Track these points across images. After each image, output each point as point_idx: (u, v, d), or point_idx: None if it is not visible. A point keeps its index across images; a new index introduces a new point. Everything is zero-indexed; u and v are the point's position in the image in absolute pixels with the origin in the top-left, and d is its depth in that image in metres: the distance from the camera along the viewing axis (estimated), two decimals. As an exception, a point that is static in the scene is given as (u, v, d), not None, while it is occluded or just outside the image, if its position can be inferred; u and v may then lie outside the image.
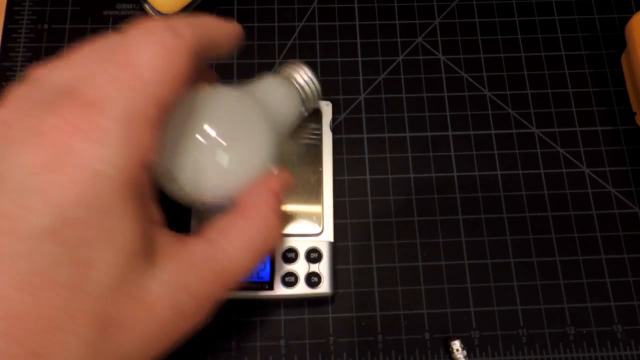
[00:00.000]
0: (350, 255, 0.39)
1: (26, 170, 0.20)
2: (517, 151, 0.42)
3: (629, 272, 0.39)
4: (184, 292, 0.24)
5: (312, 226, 0.38)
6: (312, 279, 0.37)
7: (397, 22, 0.45)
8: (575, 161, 0.42)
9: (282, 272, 0.37)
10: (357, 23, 0.45)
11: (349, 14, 0.45)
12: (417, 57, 0.44)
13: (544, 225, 0.40)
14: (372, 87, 0.43)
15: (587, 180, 0.41)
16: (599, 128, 0.43)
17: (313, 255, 0.37)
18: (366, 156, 0.41)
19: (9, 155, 0.21)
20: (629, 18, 0.42)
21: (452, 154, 0.42)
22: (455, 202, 0.40)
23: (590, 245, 0.40)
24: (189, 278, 0.24)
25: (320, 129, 0.40)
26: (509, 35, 0.45)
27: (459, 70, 0.44)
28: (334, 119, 0.42)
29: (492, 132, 0.42)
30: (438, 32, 0.45)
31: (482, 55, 0.44)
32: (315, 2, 0.45)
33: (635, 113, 0.42)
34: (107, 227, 0.21)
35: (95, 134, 0.21)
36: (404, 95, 0.43)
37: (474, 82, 0.44)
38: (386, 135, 0.42)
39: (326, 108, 0.41)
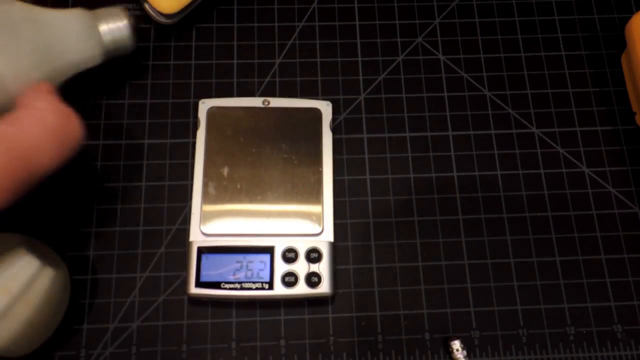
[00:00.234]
0: (350, 255, 0.39)
1: None
2: (517, 151, 0.42)
3: (629, 272, 0.39)
4: None
5: (312, 226, 0.38)
6: (312, 279, 0.37)
7: (397, 22, 0.45)
8: (575, 161, 0.42)
9: (282, 272, 0.37)
10: (357, 23, 0.45)
11: (349, 14, 0.45)
12: (417, 57, 0.44)
13: (544, 225, 0.40)
14: (372, 87, 0.43)
15: (587, 180, 0.41)
16: (599, 128, 0.43)
17: (313, 255, 0.37)
18: (366, 156, 0.41)
19: None
20: (629, 18, 0.42)
21: (452, 154, 0.42)
22: (455, 202, 0.40)
23: (590, 245, 0.40)
24: None
25: (320, 129, 0.40)
26: (509, 35, 0.45)
27: (459, 70, 0.44)
28: (334, 119, 0.42)
29: (492, 132, 0.42)
30: (438, 32, 0.45)
31: (482, 55, 0.44)
32: (315, 2, 0.45)
33: (635, 113, 0.42)
34: None
35: None
36: (404, 95, 0.43)
37: (474, 82, 0.44)
38: (386, 135, 0.42)
39: (326, 108, 0.41)
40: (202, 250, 0.37)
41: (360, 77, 0.43)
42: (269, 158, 0.39)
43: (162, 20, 0.42)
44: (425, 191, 0.41)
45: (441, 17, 0.45)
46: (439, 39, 0.45)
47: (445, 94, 0.43)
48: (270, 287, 0.36)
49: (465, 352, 0.36)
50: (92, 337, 0.37)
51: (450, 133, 0.42)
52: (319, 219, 0.38)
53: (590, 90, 0.44)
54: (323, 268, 0.37)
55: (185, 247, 0.39)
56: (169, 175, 0.40)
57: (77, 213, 0.39)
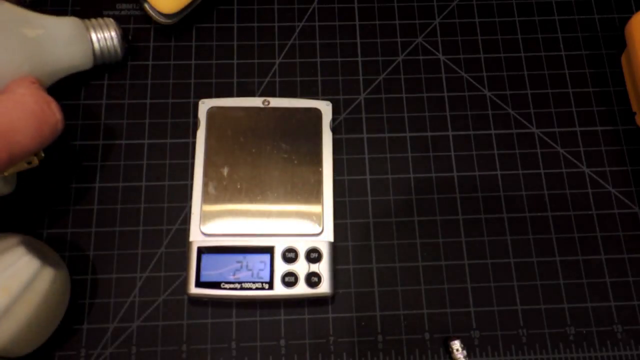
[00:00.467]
0: (350, 255, 0.39)
1: None
2: (517, 151, 0.42)
3: (629, 272, 0.39)
4: None
5: (312, 226, 0.38)
6: (312, 279, 0.37)
7: (397, 22, 0.45)
8: (575, 161, 0.42)
9: (282, 272, 0.37)
10: (357, 23, 0.45)
11: (349, 14, 0.45)
12: (417, 57, 0.44)
13: (544, 225, 0.40)
14: (372, 87, 0.43)
15: (587, 180, 0.41)
16: (599, 128, 0.43)
17: (313, 255, 0.37)
18: (366, 156, 0.41)
19: None
20: (629, 18, 0.42)
21: (452, 154, 0.42)
22: (455, 202, 0.40)
23: (590, 245, 0.40)
24: None
25: (320, 129, 0.40)
26: (509, 35, 0.45)
27: (459, 70, 0.44)
28: (334, 119, 0.42)
29: (492, 132, 0.42)
30: (438, 32, 0.45)
31: (482, 55, 0.44)
32: (315, 2, 0.45)
33: (635, 113, 0.42)
34: None
35: None
36: (404, 95, 0.43)
37: (474, 82, 0.44)
38: (386, 135, 0.42)
39: (326, 108, 0.41)
40: (202, 250, 0.37)
41: (360, 77, 0.43)
42: (269, 158, 0.39)
43: (162, 20, 0.42)
44: (425, 191, 0.41)
45: (441, 17, 0.45)
46: (439, 39, 0.45)
47: (445, 94, 0.43)
48: (270, 287, 0.36)
49: (465, 352, 0.36)
50: (92, 337, 0.37)
51: (450, 133, 0.42)
52: (319, 219, 0.38)
53: (590, 90, 0.44)
54: (323, 268, 0.37)
55: (185, 247, 0.39)
56: (169, 175, 0.40)
57: (77, 213, 0.39)
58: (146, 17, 0.44)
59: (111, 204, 0.39)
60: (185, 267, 0.38)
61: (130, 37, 0.42)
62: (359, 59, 0.44)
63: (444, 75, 0.44)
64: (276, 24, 0.45)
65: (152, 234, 0.39)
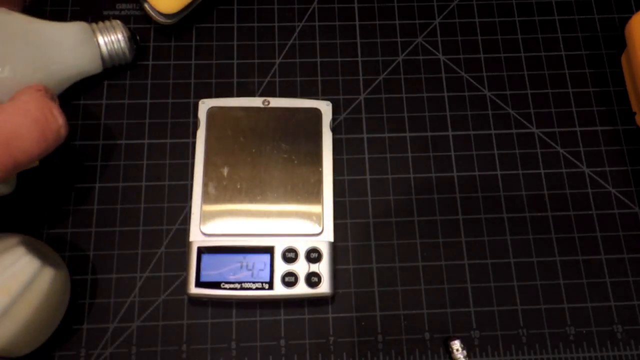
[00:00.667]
0: (350, 255, 0.39)
1: None
2: (517, 151, 0.42)
3: (629, 272, 0.39)
4: None
5: (312, 226, 0.38)
6: (312, 279, 0.37)
7: (397, 22, 0.45)
8: (575, 161, 0.42)
9: (282, 272, 0.37)
10: (357, 23, 0.45)
11: (349, 14, 0.45)
12: (417, 57, 0.44)
13: (544, 225, 0.40)
14: (372, 87, 0.43)
15: (587, 180, 0.41)
16: (599, 128, 0.43)
17: (313, 255, 0.37)
18: (366, 156, 0.41)
19: None
20: (629, 18, 0.42)
21: (452, 154, 0.42)
22: (455, 202, 0.40)
23: (590, 245, 0.40)
24: None
25: (320, 129, 0.40)
26: (509, 35, 0.45)
27: (459, 70, 0.44)
28: (334, 119, 0.42)
29: (492, 132, 0.42)
30: (438, 32, 0.45)
31: (482, 55, 0.44)
32: (315, 2, 0.45)
33: (635, 113, 0.42)
34: None
35: None
36: (404, 95, 0.43)
37: (474, 82, 0.44)
38: (386, 135, 0.42)
39: (326, 108, 0.41)
40: (202, 250, 0.37)
41: (360, 77, 0.43)
42: (269, 158, 0.39)
43: (162, 20, 0.42)
44: (425, 191, 0.41)
45: (441, 17, 0.45)
46: (439, 39, 0.45)
47: (445, 94, 0.43)
48: (270, 287, 0.36)
49: (465, 352, 0.36)
50: (92, 337, 0.37)
51: (450, 133, 0.42)
52: (319, 219, 0.38)
53: (590, 90, 0.44)
54: (323, 268, 0.37)
55: (185, 247, 0.39)
56: (169, 175, 0.40)
57: (77, 213, 0.39)
58: (146, 17, 0.44)
59: (111, 204, 0.39)
60: (185, 267, 0.38)
61: (138, 38, 0.42)
62: (359, 59, 0.44)
63: (444, 75, 0.44)
64: (276, 24, 0.45)
65: (152, 234, 0.39)
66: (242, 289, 0.36)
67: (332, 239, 0.38)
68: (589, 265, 0.39)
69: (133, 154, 0.41)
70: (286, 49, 0.44)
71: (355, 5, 0.45)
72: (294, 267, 0.37)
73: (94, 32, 0.39)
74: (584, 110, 0.43)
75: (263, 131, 0.40)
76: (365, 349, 0.37)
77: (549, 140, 0.42)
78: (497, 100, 0.43)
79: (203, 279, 0.36)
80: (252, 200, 0.38)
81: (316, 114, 0.41)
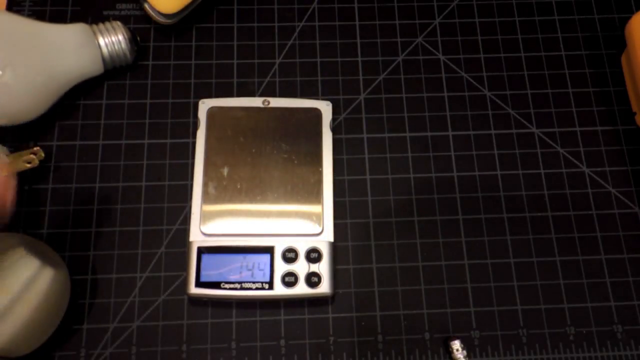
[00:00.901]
0: (350, 255, 0.39)
1: None
2: (517, 151, 0.42)
3: (629, 272, 0.39)
4: None
5: (312, 226, 0.38)
6: (312, 279, 0.37)
7: (397, 22, 0.45)
8: (575, 161, 0.42)
9: (282, 272, 0.37)
10: (357, 23, 0.45)
11: (349, 14, 0.45)
12: (417, 57, 0.44)
13: (544, 225, 0.40)
14: (372, 87, 0.43)
15: (587, 180, 0.41)
16: (599, 128, 0.43)
17: (313, 255, 0.37)
18: (366, 156, 0.41)
19: None
20: (629, 18, 0.42)
21: (452, 154, 0.42)
22: (455, 202, 0.40)
23: (590, 245, 0.40)
24: None
25: (320, 129, 0.40)
26: (509, 35, 0.45)
27: (459, 70, 0.44)
28: (334, 119, 0.42)
29: (492, 132, 0.42)
30: (438, 32, 0.45)
31: (482, 55, 0.44)
32: (315, 2, 0.45)
33: (635, 113, 0.42)
34: None
35: None
36: (404, 95, 0.43)
37: (474, 82, 0.44)
38: (386, 135, 0.42)
39: (326, 108, 0.41)
40: (202, 250, 0.37)
41: (360, 77, 0.43)
42: (269, 158, 0.39)
43: (162, 20, 0.42)
44: (425, 191, 0.41)
45: (441, 17, 0.45)
46: (439, 39, 0.45)
47: (445, 94, 0.43)
48: (270, 287, 0.36)
49: (465, 352, 0.36)
50: (92, 337, 0.37)
51: (450, 133, 0.42)
52: (319, 219, 0.38)
53: (590, 90, 0.44)
54: (323, 268, 0.37)
55: (185, 247, 0.39)
56: (169, 175, 0.40)
57: (77, 213, 0.39)
58: (146, 17, 0.44)
59: (111, 204, 0.39)
60: (185, 267, 0.38)
61: (139, 39, 0.42)
62: (359, 59, 0.44)
63: (444, 75, 0.44)
64: (276, 24, 0.45)
65: (152, 234, 0.39)
66: (242, 289, 0.36)
67: (332, 239, 0.38)
68: (589, 265, 0.39)
69: (133, 154, 0.41)
70: (286, 49, 0.44)
71: (355, 5, 0.45)
72: (294, 267, 0.37)
73: (94, 33, 0.39)
74: (584, 110, 0.43)
75: (263, 131, 0.40)
76: (365, 349, 0.37)
77: (549, 140, 0.42)
78: (497, 100, 0.43)
79: (203, 279, 0.36)
80: (252, 200, 0.38)
81: (316, 114, 0.41)
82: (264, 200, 0.38)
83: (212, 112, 0.40)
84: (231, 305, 0.38)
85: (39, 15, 0.43)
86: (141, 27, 0.44)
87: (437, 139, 0.42)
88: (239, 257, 0.37)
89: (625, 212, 0.41)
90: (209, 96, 0.42)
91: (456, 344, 0.36)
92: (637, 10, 0.45)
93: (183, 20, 0.43)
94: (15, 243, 0.32)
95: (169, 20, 0.42)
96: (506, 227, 0.40)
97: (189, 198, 0.40)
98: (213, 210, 0.38)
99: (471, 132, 0.42)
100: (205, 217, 0.38)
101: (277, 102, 0.41)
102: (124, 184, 0.40)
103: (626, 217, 0.40)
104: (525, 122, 0.43)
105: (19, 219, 0.39)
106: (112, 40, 0.40)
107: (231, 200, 0.38)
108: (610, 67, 0.44)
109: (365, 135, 0.42)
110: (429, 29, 0.45)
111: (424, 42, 0.45)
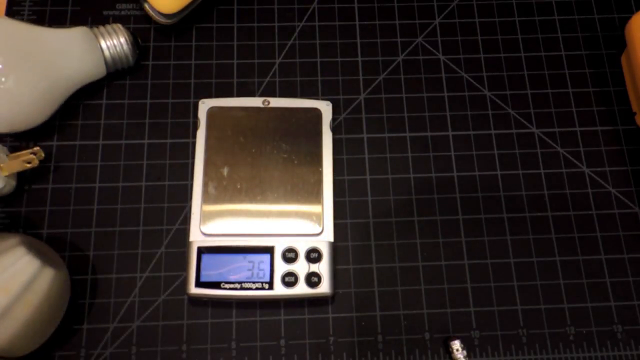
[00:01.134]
0: (350, 255, 0.39)
1: None
2: (517, 151, 0.42)
3: (629, 272, 0.39)
4: None
5: (312, 226, 0.38)
6: (312, 279, 0.37)
7: (397, 22, 0.45)
8: (575, 161, 0.42)
9: (282, 272, 0.37)
10: (357, 23, 0.45)
11: (349, 14, 0.45)
12: (417, 57, 0.44)
13: (544, 225, 0.40)
14: (372, 87, 0.43)
15: (587, 180, 0.41)
16: (599, 128, 0.43)
17: (313, 255, 0.37)
18: (366, 156, 0.41)
19: None
20: (629, 18, 0.42)
21: (452, 154, 0.42)
22: (455, 202, 0.40)
23: (590, 245, 0.40)
24: None
25: (320, 129, 0.40)
26: (509, 35, 0.45)
27: (459, 70, 0.44)
28: (334, 119, 0.42)
29: (492, 132, 0.42)
30: (438, 32, 0.45)
31: (482, 55, 0.44)
32: (315, 2, 0.45)
33: (635, 113, 0.42)
34: None
35: None
36: (404, 95, 0.43)
37: (474, 82, 0.44)
38: (386, 135, 0.42)
39: (326, 108, 0.41)
40: (202, 250, 0.37)
41: (360, 77, 0.43)
42: (269, 158, 0.39)
43: (162, 20, 0.42)
44: (425, 191, 0.41)
45: (441, 17, 0.45)
46: (439, 39, 0.45)
47: (445, 94, 0.43)
48: (270, 287, 0.36)
49: (465, 352, 0.36)
50: (92, 337, 0.37)
51: (450, 133, 0.42)
52: (319, 219, 0.38)
53: (590, 90, 0.44)
54: (323, 268, 0.37)
55: (185, 247, 0.39)
56: (169, 175, 0.40)
57: (77, 213, 0.39)
58: (146, 17, 0.44)
59: (111, 204, 0.39)
60: (185, 267, 0.38)
61: (140, 41, 0.42)
62: (359, 59, 0.44)
63: (444, 75, 0.44)
64: (276, 24, 0.45)
65: (152, 234, 0.39)
66: (242, 289, 0.36)
67: (332, 239, 0.38)
68: (589, 265, 0.39)
69: (133, 154, 0.41)
70: (286, 49, 0.44)
71: (355, 5, 0.45)
72: (294, 267, 0.37)
73: (96, 36, 0.39)
74: (584, 110, 0.43)
75: (263, 131, 0.40)
76: (365, 349, 0.37)
77: (549, 140, 0.42)
78: (497, 100, 0.43)
79: (203, 279, 0.36)
80: (252, 200, 0.38)
81: (316, 114, 0.41)
82: (264, 200, 0.38)
83: (212, 112, 0.40)
84: (231, 305, 0.38)
85: (39, 15, 0.43)
86: (141, 27, 0.44)
87: (437, 139, 0.42)
88: (239, 257, 0.37)
89: (625, 212, 0.41)
90: (209, 96, 0.42)
91: (456, 344, 0.36)
92: (637, 10, 0.45)
93: (183, 20, 0.43)
94: (15, 243, 0.32)
95: (169, 20, 0.42)
96: (506, 227, 0.40)
97: (189, 198, 0.40)
98: (213, 210, 0.38)
99: (471, 132, 0.42)
100: (205, 217, 0.38)
101: (277, 102, 0.41)
102: (124, 184, 0.40)
103: (626, 217, 0.40)
104: (525, 122, 0.43)
105: (19, 219, 0.39)
106: (114, 42, 0.40)
107: (231, 200, 0.38)
108: (610, 67, 0.44)
109: (365, 135, 0.42)
110: (429, 29, 0.45)
111: (424, 42, 0.45)
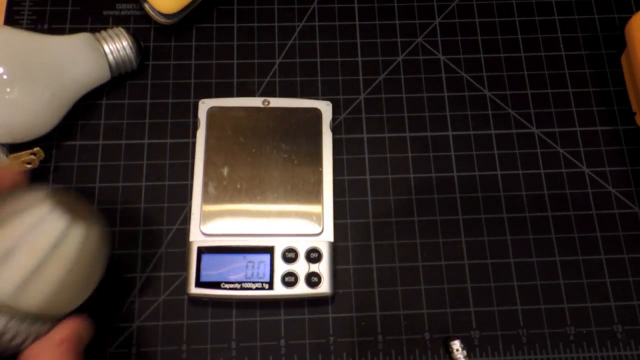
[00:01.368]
0: (350, 255, 0.39)
1: None
2: (517, 151, 0.42)
3: (629, 272, 0.39)
4: None
5: (312, 226, 0.38)
6: (312, 279, 0.37)
7: (397, 22, 0.45)
8: (575, 161, 0.42)
9: (282, 272, 0.37)
10: (357, 23, 0.45)
11: (349, 14, 0.45)
12: (417, 57, 0.44)
13: (544, 225, 0.40)
14: (372, 87, 0.43)
15: (587, 180, 0.41)
16: (599, 128, 0.43)
17: (313, 255, 0.37)
18: (366, 156, 0.41)
19: None
20: (629, 18, 0.42)
21: (452, 154, 0.42)
22: (455, 202, 0.40)
23: (590, 245, 0.40)
24: None
25: (320, 129, 0.40)
26: (509, 35, 0.45)
27: (459, 70, 0.44)
28: (334, 119, 0.42)
29: (492, 132, 0.42)
30: (438, 32, 0.45)
31: (482, 55, 0.44)
32: (315, 2, 0.45)
33: (635, 113, 0.42)
34: None
35: None
36: (404, 95, 0.43)
37: (474, 82, 0.44)
38: (386, 135, 0.42)
39: (326, 108, 0.41)
40: (202, 250, 0.37)
41: (360, 77, 0.43)
42: (269, 158, 0.39)
43: (162, 20, 0.42)
44: (425, 191, 0.41)
45: (441, 17, 0.45)
46: (439, 39, 0.45)
47: (445, 94, 0.43)
48: (270, 287, 0.36)
49: (465, 352, 0.36)
50: (92, 337, 0.36)
51: (450, 133, 0.42)
52: (319, 219, 0.38)
53: (590, 90, 0.44)
54: (323, 268, 0.37)
55: (185, 247, 0.39)
56: (169, 175, 0.40)
57: (77, 213, 0.39)
58: (146, 17, 0.44)
59: (111, 204, 0.39)
60: (185, 267, 0.38)
61: (142, 44, 0.42)
62: (359, 59, 0.44)
63: (444, 75, 0.44)
64: (276, 24, 0.45)
65: (152, 234, 0.39)
66: (242, 289, 0.36)
67: (332, 239, 0.38)
68: (589, 265, 0.39)
69: (133, 154, 0.41)
70: (286, 49, 0.44)
71: (355, 5, 0.45)
72: (294, 267, 0.37)
73: (98, 41, 0.39)
74: (584, 110, 0.43)
75: (263, 131, 0.40)
76: (365, 349, 0.37)
77: (549, 140, 0.42)
78: (497, 100, 0.43)
79: (203, 279, 0.36)
80: (252, 200, 0.38)
81: (316, 114, 0.41)
82: (264, 200, 0.38)
83: (212, 112, 0.40)
84: (231, 305, 0.38)
85: (39, 15, 0.43)
86: (141, 27, 0.44)
87: (437, 139, 0.42)
88: (239, 257, 0.37)
89: (625, 212, 0.41)
90: (209, 96, 0.42)
91: (456, 344, 0.36)
92: (637, 10, 0.45)
93: (183, 20, 0.43)
94: (42, 197, 0.30)
95: (169, 20, 0.42)
96: (506, 227, 0.40)
97: (189, 198, 0.40)
98: (213, 210, 0.38)
99: (471, 132, 0.42)
100: (205, 217, 0.38)
101: (277, 102, 0.41)
102: (124, 184, 0.40)
103: (626, 217, 0.40)
104: (525, 122, 0.43)
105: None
106: (117, 47, 0.40)
107: (231, 200, 0.38)
108: (610, 67, 0.44)
109: (365, 135, 0.42)
110: (429, 29, 0.45)
111: (424, 42, 0.45)
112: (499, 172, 0.41)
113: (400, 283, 0.39)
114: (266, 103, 0.41)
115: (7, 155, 0.37)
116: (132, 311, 0.37)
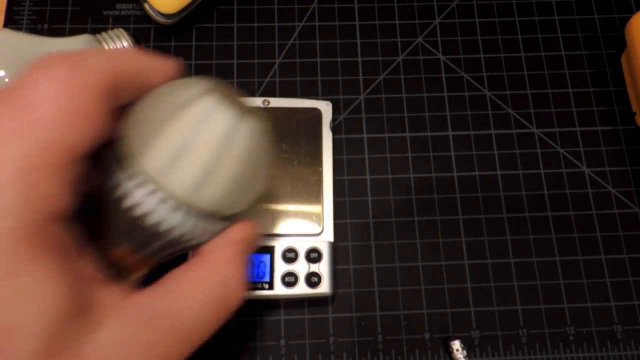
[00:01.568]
0: (350, 255, 0.39)
1: None
2: (517, 151, 0.42)
3: (629, 272, 0.39)
4: (132, 350, 0.21)
5: (312, 226, 0.38)
6: (312, 279, 0.37)
7: (397, 22, 0.45)
8: (575, 161, 0.42)
9: (282, 272, 0.37)
10: (357, 23, 0.45)
11: (349, 14, 0.45)
12: (417, 57, 0.44)
13: (544, 225, 0.40)
14: (372, 87, 0.43)
15: (587, 180, 0.41)
16: (599, 128, 0.43)
17: (313, 255, 0.37)
18: (366, 156, 0.41)
19: None
20: (629, 18, 0.42)
21: (452, 154, 0.42)
22: (455, 202, 0.40)
23: (590, 245, 0.40)
24: (137, 335, 0.22)
25: (320, 129, 0.40)
26: (509, 35, 0.45)
27: (459, 70, 0.44)
28: (334, 119, 0.42)
29: (492, 132, 0.42)
30: (438, 32, 0.45)
31: (482, 55, 0.44)
32: (315, 2, 0.45)
33: (635, 113, 0.42)
34: (19, 288, 0.19)
35: None
36: (404, 95, 0.43)
37: (474, 82, 0.44)
38: (386, 135, 0.42)
39: (326, 108, 0.41)
40: (202, 250, 0.37)
41: (360, 77, 0.43)
42: (269, 158, 0.39)
43: (162, 20, 0.42)
44: (425, 191, 0.41)
45: (441, 17, 0.45)
46: (439, 39, 0.45)
47: (445, 94, 0.43)
48: (270, 287, 0.36)
49: (465, 352, 0.36)
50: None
51: (450, 133, 0.42)
52: (319, 219, 0.38)
53: (590, 90, 0.44)
54: (323, 268, 0.37)
55: (185, 247, 0.39)
56: (169, 175, 0.40)
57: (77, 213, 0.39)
58: (146, 17, 0.44)
59: (111, 204, 0.39)
60: (185, 267, 0.38)
61: (143, 44, 0.42)
62: (359, 59, 0.44)
63: (444, 75, 0.44)
64: (276, 24, 0.45)
65: (152, 234, 0.39)
66: (242, 289, 0.36)
67: (332, 239, 0.38)
68: (589, 265, 0.39)
69: (133, 154, 0.41)
70: (286, 49, 0.44)
71: (355, 5, 0.45)
72: (294, 267, 0.37)
73: (99, 42, 0.39)
74: (584, 110, 0.43)
75: (263, 131, 0.40)
76: (365, 349, 0.37)
77: (549, 140, 0.42)
78: (497, 100, 0.43)
79: (203, 279, 0.36)
80: (252, 200, 0.38)
81: (316, 114, 0.41)
82: (263, 200, 0.38)
83: (212, 112, 0.40)
84: (231, 305, 0.38)
85: (39, 15, 0.43)
86: (141, 27, 0.44)
87: (437, 139, 0.42)
88: (239, 257, 0.37)
89: (625, 212, 0.41)
90: (209, 96, 0.42)
91: (456, 344, 0.36)
92: (637, 10, 0.45)
93: (183, 20, 0.43)
94: (207, 89, 0.27)
95: (169, 20, 0.42)
96: (506, 227, 0.40)
97: (189, 198, 0.40)
98: (213, 210, 0.38)
99: (471, 132, 0.42)
100: (205, 217, 0.38)
101: (277, 102, 0.41)
102: (124, 184, 0.40)
103: (626, 217, 0.40)
104: (525, 122, 0.43)
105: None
106: (118, 47, 0.39)
107: (231, 200, 0.38)
108: (610, 67, 0.44)
109: (365, 135, 0.42)
110: (429, 29, 0.45)
111: (424, 42, 0.45)
112: (499, 172, 0.41)
113: (400, 283, 0.39)
114: (266, 103, 0.41)
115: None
116: (132, 311, 0.37)
